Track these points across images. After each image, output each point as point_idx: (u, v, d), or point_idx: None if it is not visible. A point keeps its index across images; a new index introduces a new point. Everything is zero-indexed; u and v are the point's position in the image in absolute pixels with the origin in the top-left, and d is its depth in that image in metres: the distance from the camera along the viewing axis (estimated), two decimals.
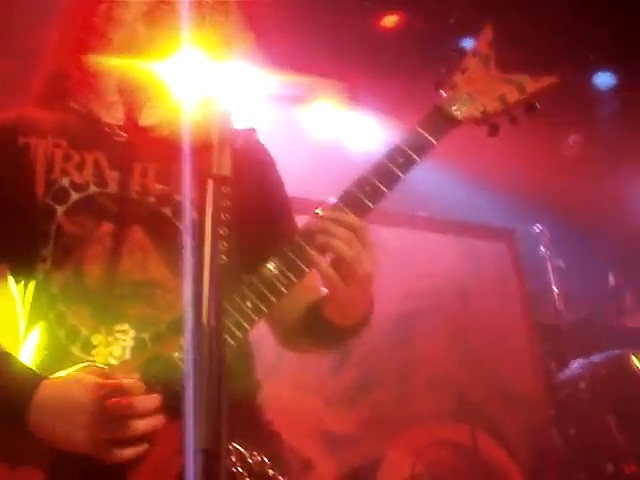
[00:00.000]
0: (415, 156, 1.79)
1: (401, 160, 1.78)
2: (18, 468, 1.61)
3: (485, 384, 4.81)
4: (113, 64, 1.90)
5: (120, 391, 1.56)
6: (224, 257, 1.77)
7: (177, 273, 1.75)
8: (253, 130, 2.04)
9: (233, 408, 1.48)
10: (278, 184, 2.08)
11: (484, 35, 1.96)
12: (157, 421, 1.58)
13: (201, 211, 1.17)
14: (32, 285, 1.80)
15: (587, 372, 4.74)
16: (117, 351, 1.71)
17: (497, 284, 5.16)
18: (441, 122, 1.86)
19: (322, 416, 4.17)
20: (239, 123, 1.36)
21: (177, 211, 1.83)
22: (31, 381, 1.64)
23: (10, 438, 1.62)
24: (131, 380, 1.59)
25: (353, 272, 1.69)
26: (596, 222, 5.93)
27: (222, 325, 1.14)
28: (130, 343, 1.72)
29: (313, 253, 1.69)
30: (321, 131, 5.42)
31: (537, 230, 5.63)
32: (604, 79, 6.12)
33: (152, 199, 1.84)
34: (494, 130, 1.92)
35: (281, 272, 1.69)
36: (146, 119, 1.93)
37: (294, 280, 1.69)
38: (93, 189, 1.82)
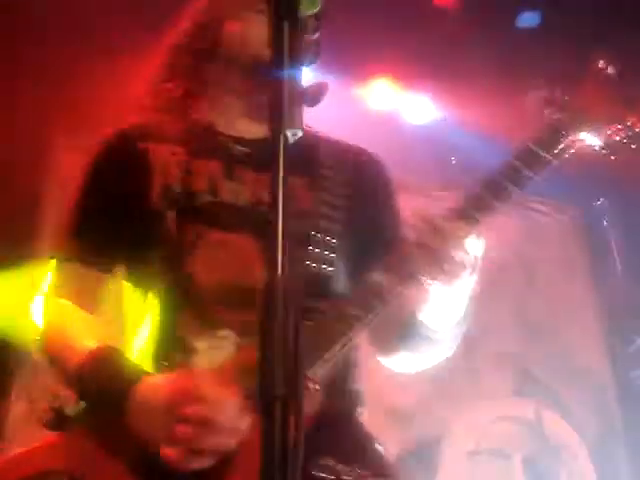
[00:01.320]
0: (529, 171, 1.76)
1: (514, 175, 1.76)
2: (117, 459, 1.64)
3: (550, 360, 4.76)
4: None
5: (202, 400, 1.55)
6: (330, 267, 1.86)
7: None
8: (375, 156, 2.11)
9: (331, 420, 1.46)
10: (397, 211, 2.09)
11: (597, 59, 1.88)
12: (235, 439, 1.55)
13: (274, 166, 1.18)
14: (137, 288, 1.88)
15: None
16: (218, 357, 1.72)
17: (562, 259, 5.10)
18: (556, 141, 1.80)
19: (385, 391, 4.16)
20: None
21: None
22: (136, 372, 1.68)
23: (112, 429, 1.65)
24: (220, 390, 1.56)
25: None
26: None
27: (298, 276, 1.15)
28: (232, 349, 1.73)
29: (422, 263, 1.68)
30: (380, 105, 5.41)
31: (600, 205, 5.54)
32: None
33: (263, 208, 1.85)
34: (615, 152, 1.85)
35: (388, 282, 1.69)
36: (260, 132, 1.94)
37: (399, 289, 1.69)
38: (206, 197, 1.86)
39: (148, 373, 1.69)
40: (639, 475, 4.67)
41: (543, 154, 1.78)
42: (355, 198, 1.98)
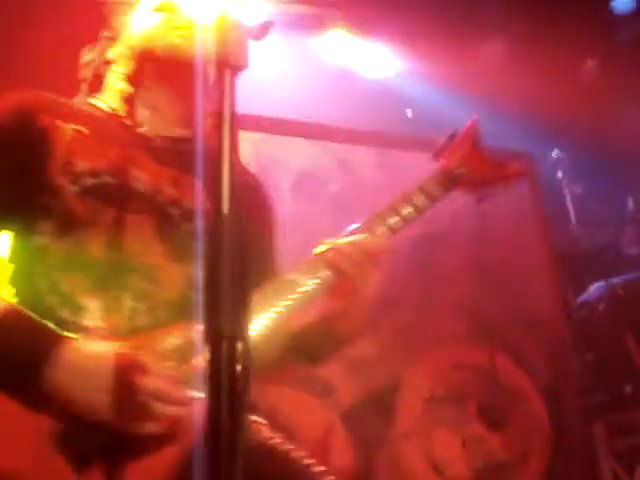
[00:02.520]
0: (427, 203, 2.12)
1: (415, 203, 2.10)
2: (25, 433, 1.57)
3: (503, 307, 4.81)
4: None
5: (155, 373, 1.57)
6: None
7: (180, 265, 1.84)
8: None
9: None
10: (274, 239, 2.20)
11: (471, 124, 2.28)
12: (184, 412, 1.58)
13: (219, 100, 1.17)
14: (22, 256, 1.84)
15: (605, 294, 4.75)
16: (112, 317, 1.73)
17: (515, 208, 5.13)
18: (447, 181, 2.18)
19: None
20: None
21: (185, 214, 1.90)
22: (51, 335, 1.62)
23: (21, 397, 1.57)
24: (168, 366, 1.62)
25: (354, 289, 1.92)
26: (614, 147, 5.86)
27: (240, 214, 1.14)
28: (126, 312, 1.74)
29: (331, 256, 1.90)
30: (334, 59, 5.36)
31: (555, 155, 5.58)
32: (623, 4, 6.00)
33: (162, 199, 1.91)
34: (481, 199, 2.28)
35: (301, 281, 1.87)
36: (168, 130, 2.03)
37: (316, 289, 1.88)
38: (107, 179, 1.87)
39: (65, 335, 1.62)
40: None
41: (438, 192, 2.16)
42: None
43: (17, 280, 1.82)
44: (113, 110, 2.03)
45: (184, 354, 1.67)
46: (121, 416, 1.54)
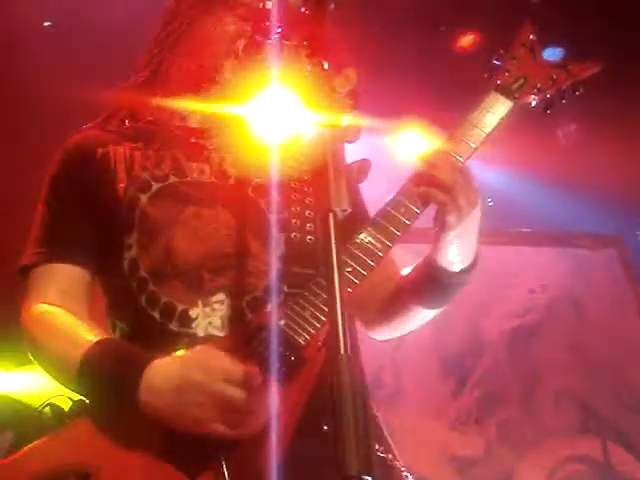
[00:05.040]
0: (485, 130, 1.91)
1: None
2: (133, 450, 1.62)
3: (609, 394, 4.69)
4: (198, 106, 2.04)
5: (237, 379, 1.58)
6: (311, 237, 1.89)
7: (265, 244, 1.84)
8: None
9: None
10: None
11: (525, 27, 2.07)
12: (266, 421, 1.58)
13: (326, 246, 1.22)
14: (115, 277, 1.88)
15: None
16: (216, 321, 1.76)
17: (610, 291, 5.05)
18: (502, 98, 1.97)
19: (448, 440, 4.14)
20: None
21: (256, 190, 1.92)
22: (139, 360, 1.66)
23: (123, 421, 1.65)
24: (251, 370, 1.59)
25: (459, 210, 1.75)
26: None
27: (358, 356, 1.17)
28: (228, 312, 1.77)
29: (423, 190, 1.77)
30: (409, 156, 5.44)
31: None
32: None
33: (232, 181, 1.93)
34: (548, 105, 2.04)
35: (375, 238, 1.77)
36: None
37: (388, 244, 1.76)
38: (173, 179, 1.92)
39: (151, 356, 1.66)
40: None
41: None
42: None
43: (118, 306, 1.88)
44: (158, 119, 2.05)
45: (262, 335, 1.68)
46: (222, 423, 1.56)
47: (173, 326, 1.77)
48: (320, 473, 1.37)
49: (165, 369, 1.63)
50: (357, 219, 1.79)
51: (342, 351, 1.15)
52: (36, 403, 1.79)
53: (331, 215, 1.24)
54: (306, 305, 1.70)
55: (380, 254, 1.76)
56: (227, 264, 1.82)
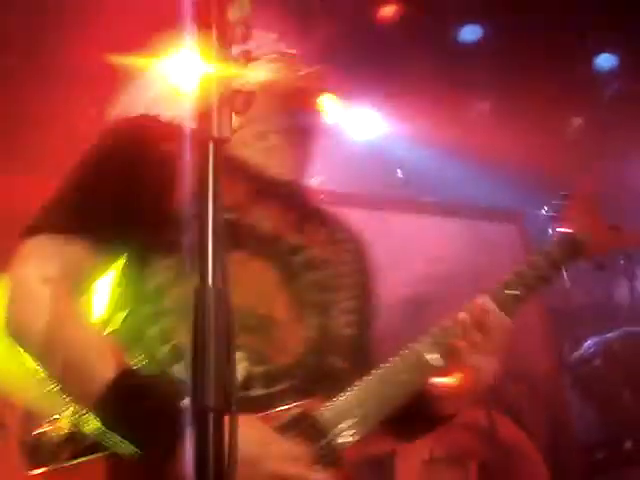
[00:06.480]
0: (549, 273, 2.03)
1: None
2: None
3: (500, 365, 4.78)
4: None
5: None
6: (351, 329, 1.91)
7: (300, 319, 1.78)
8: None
9: None
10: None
11: (583, 185, 2.26)
12: None
13: (202, 173, 1.18)
14: (133, 292, 1.76)
15: (601, 349, 4.73)
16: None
17: (509, 267, 5.14)
18: (571, 248, 2.09)
19: None
20: None
21: (307, 262, 1.87)
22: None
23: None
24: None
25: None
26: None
27: (228, 288, 1.14)
28: (241, 372, 1.67)
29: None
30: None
31: (545, 213, 5.60)
32: (605, 61, 6.12)
33: (287, 245, 1.85)
34: (602, 267, 2.18)
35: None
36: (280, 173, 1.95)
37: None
38: (233, 216, 1.78)
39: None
40: None
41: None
42: (355, 273, 2.03)
43: (124, 320, 1.75)
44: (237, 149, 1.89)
45: (301, 426, 1.65)
46: None
47: (175, 369, 1.66)
48: None
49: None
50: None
51: (210, 283, 1.12)
52: None
53: (210, 142, 1.20)
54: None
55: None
56: (256, 324, 1.73)
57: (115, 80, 2.15)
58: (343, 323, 1.89)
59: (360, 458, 1.71)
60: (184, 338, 1.65)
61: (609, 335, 4.82)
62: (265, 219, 1.85)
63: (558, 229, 2.11)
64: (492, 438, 4.30)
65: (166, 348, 1.68)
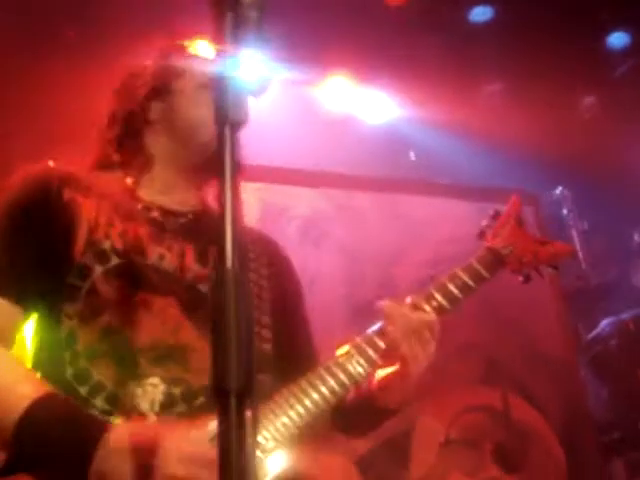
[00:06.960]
0: (472, 283, 2.09)
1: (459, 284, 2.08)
2: None
3: (514, 347, 4.79)
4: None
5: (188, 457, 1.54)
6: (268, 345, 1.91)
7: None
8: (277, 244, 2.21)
9: None
10: (304, 313, 2.18)
11: (513, 202, 2.27)
12: None
13: (220, 158, 1.17)
14: (48, 341, 1.80)
15: (616, 329, 4.73)
16: (145, 404, 1.71)
17: None
18: (494, 262, 2.15)
19: None
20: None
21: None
22: (98, 420, 1.63)
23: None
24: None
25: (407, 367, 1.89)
26: (617, 182, 5.87)
27: (245, 269, 1.14)
28: (159, 397, 1.72)
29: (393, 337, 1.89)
30: (335, 106, 5.40)
31: (559, 193, 5.59)
32: (618, 39, 6.05)
33: (190, 276, 1.89)
34: (528, 279, 2.23)
35: (357, 362, 1.87)
36: (180, 205, 2.01)
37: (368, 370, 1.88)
38: (133, 257, 1.84)
39: (109, 421, 1.62)
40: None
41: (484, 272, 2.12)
42: (273, 286, 2.02)
43: (44, 367, 1.78)
44: (127, 182, 1.99)
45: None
46: None
47: (98, 402, 1.70)
48: None
49: (126, 439, 1.54)
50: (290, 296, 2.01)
51: (229, 264, 1.12)
52: None
53: (227, 126, 1.20)
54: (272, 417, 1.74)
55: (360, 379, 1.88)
56: (168, 354, 1.77)
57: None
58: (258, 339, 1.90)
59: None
60: (101, 377, 1.72)
61: (624, 315, 4.81)
62: (166, 256, 1.89)
63: (485, 244, 2.17)
64: (507, 419, 4.31)
65: (84, 390, 1.72)
